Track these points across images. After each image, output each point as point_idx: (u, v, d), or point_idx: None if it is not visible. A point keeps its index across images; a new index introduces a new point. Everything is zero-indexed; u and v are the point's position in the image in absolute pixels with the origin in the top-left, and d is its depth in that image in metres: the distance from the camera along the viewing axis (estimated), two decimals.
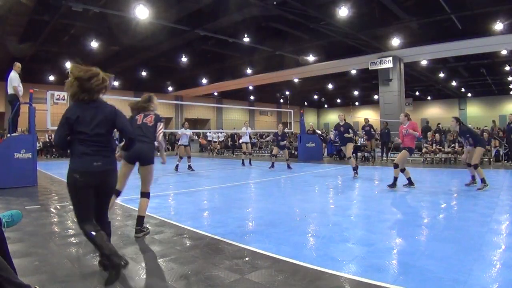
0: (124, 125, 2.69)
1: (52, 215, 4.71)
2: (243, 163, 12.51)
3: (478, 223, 3.98)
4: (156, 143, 3.87)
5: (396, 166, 6.45)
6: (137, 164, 3.70)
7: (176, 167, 10.71)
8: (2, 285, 1.83)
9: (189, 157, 11.02)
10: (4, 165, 7.03)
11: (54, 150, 18.50)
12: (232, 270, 2.64)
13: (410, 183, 6.54)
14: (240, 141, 13.96)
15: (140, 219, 3.57)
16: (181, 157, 11.03)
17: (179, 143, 11.22)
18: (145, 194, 3.68)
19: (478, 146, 6.57)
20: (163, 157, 4.21)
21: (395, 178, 6.44)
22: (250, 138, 14.15)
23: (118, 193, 3.62)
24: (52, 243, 3.40)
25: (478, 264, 2.69)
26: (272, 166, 11.08)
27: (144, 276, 2.55)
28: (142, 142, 3.48)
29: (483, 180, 6.33)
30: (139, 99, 4.04)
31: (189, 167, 10.84)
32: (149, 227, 3.73)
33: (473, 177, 6.69)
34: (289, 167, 10.85)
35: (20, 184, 7.11)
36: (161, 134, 3.82)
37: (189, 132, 11.18)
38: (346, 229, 3.85)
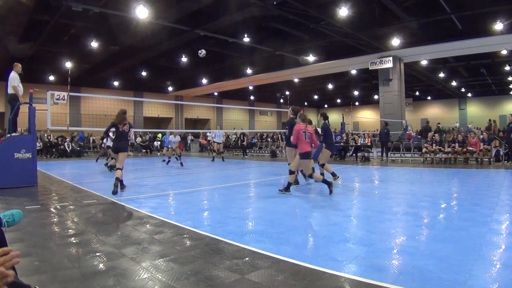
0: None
1: (52, 215, 4.71)
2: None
3: (478, 223, 3.98)
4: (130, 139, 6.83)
5: (290, 172, 6.20)
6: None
7: (167, 162, 13.20)
8: None
9: (179, 156, 13.06)
10: (4, 165, 7.04)
11: (54, 150, 18.51)
12: (232, 270, 2.64)
13: (287, 188, 6.12)
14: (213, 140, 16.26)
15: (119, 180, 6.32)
16: (169, 157, 13.49)
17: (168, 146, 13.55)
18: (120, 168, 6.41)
19: (325, 149, 7.34)
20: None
21: (290, 184, 6.15)
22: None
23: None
24: (52, 243, 3.40)
25: (478, 264, 2.69)
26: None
27: (144, 276, 2.55)
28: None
29: (333, 174, 7.19)
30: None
31: (181, 164, 12.66)
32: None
33: (333, 174, 7.25)
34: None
35: (20, 184, 7.11)
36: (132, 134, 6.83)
37: (178, 139, 13.17)
38: (346, 229, 3.85)
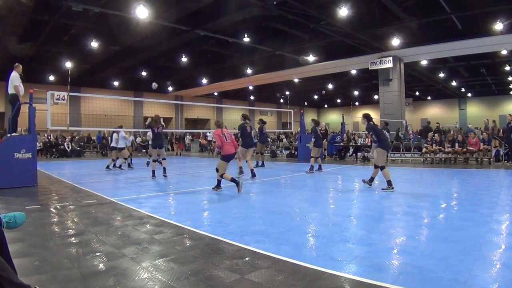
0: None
1: (52, 215, 4.71)
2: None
3: (478, 223, 3.98)
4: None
5: (217, 170, 6.58)
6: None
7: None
8: (2, 285, 1.83)
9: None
10: (4, 165, 7.03)
11: (54, 150, 18.50)
12: (232, 270, 2.64)
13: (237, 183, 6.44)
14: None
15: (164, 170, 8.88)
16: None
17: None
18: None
19: (379, 148, 6.66)
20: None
21: (219, 181, 6.63)
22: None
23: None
24: (52, 243, 3.40)
25: (478, 264, 2.69)
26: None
27: (144, 276, 2.55)
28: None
29: (389, 182, 6.43)
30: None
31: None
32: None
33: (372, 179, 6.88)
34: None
35: (20, 184, 7.11)
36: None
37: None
38: (346, 229, 3.85)
